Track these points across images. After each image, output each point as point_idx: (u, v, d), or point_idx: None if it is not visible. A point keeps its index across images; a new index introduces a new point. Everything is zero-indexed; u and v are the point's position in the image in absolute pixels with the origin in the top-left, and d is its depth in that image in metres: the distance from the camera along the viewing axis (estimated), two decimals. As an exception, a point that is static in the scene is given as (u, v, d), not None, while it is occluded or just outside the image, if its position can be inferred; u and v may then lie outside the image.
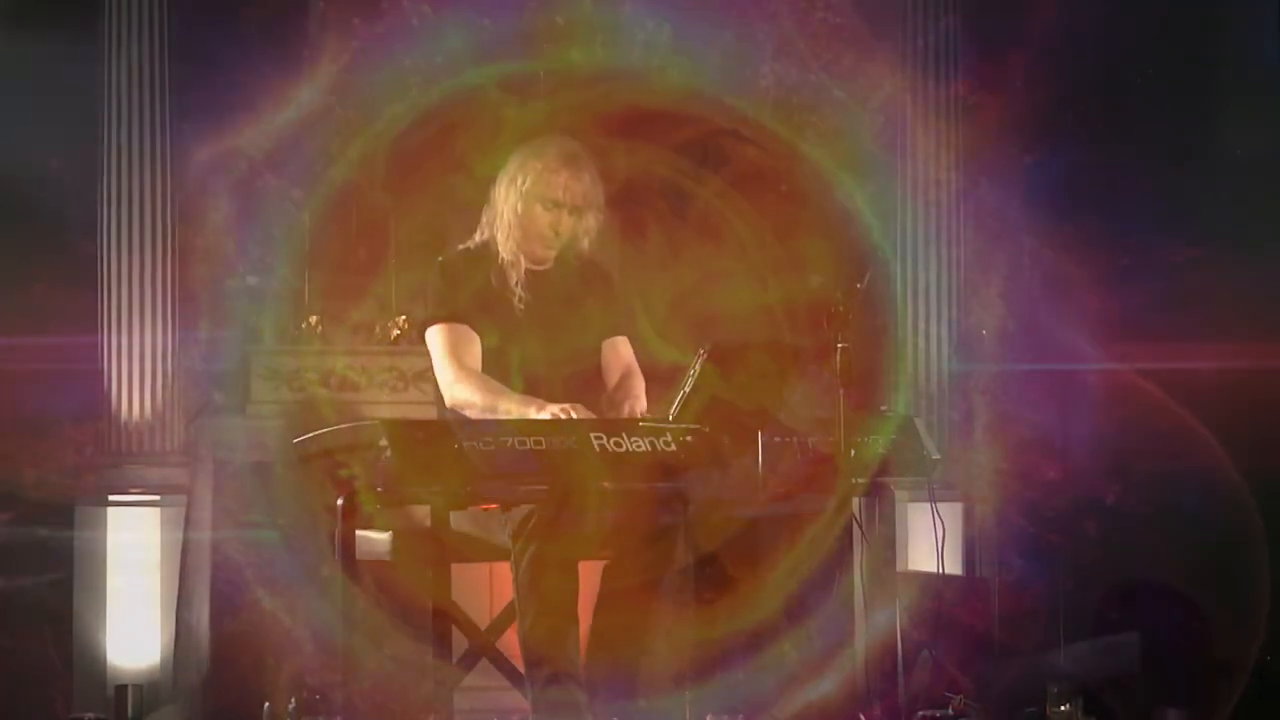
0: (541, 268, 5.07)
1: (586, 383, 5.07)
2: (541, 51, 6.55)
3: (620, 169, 6.28)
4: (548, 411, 4.72)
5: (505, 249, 5.03)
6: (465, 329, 4.99)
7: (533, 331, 5.01)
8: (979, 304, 6.53)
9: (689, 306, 6.46)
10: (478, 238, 5.11)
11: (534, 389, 4.92)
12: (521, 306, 5.01)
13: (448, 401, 4.96)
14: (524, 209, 5.00)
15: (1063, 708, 5.15)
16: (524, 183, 5.00)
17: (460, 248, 5.12)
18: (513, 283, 5.01)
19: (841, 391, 4.67)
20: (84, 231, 6.42)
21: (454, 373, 4.94)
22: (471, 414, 4.88)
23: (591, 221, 5.06)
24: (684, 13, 6.60)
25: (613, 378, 5.11)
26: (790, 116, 6.57)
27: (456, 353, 4.96)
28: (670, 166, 6.59)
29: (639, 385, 5.07)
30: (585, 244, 5.09)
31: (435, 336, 5.01)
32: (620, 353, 5.14)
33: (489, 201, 5.08)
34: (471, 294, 5.01)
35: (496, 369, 4.97)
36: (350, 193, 6.55)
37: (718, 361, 4.63)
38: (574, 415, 4.69)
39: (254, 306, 6.49)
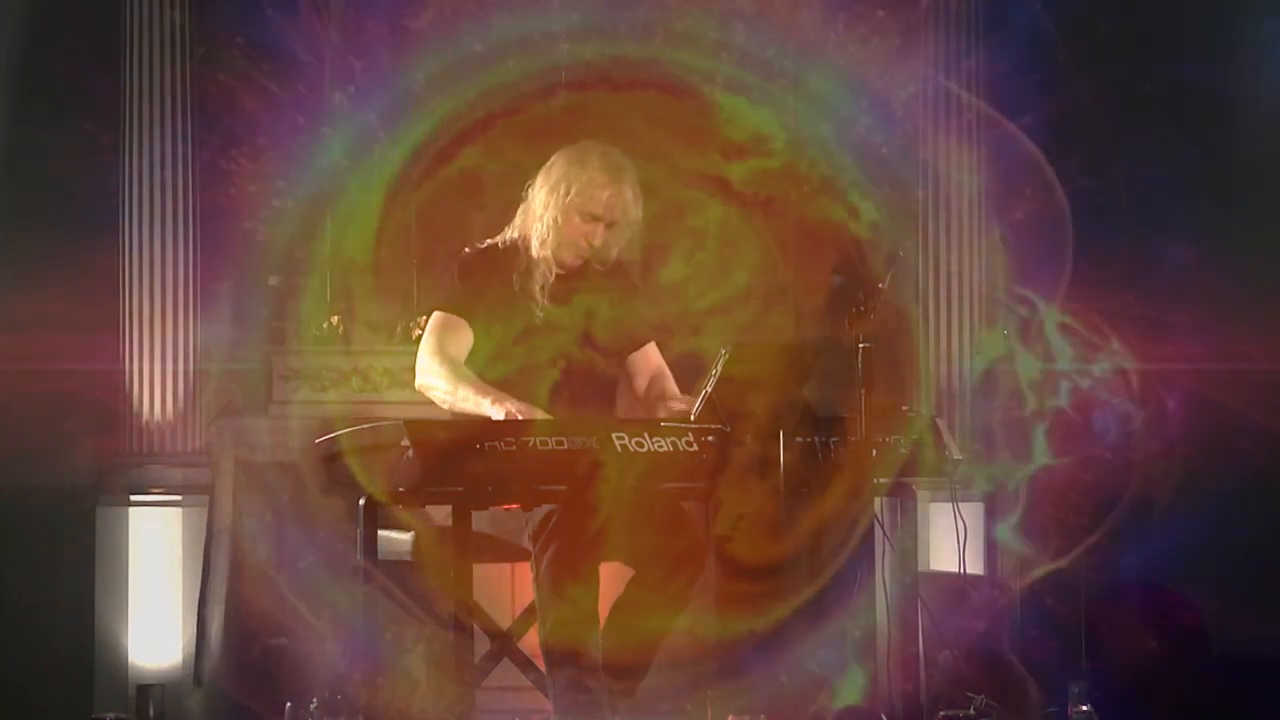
0: (566, 272, 5.04)
1: (604, 389, 5.06)
2: (558, 51, 6.55)
3: (641, 167, 6.26)
4: (502, 408, 4.69)
5: (537, 253, 4.99)
6: (460, 321, 4.94)
7: (551, 338, 4.98)
8: (1001, 303, 6.51)
9: (712, 306, 6.45)
10: (508, 234, 5.07)
11: (551, 394, 4.91)
12: (541, 315, 4.99)
13: (417, 384, 4.94)
14: (563, 219, 4.96)
15: (1084, 708, 5.13)
16: (566, 192, 4.95)
17: (487, 243, 5.08)
18: (537, 289, 4.98)
19: (863, 391, 4.66)
20: (106, 232, 6.44)
21: (428, 357, 4.91)
22: (435, 397, 4.87)
23: (626, 235, 5.03)
24: (704, 8, 6.59)
25: (642, 382, 5.10)
26: (814, 115, 6.56)
27: (441, 339, 4.92)
28: (691, 161, 6.58)
29: (672, 385, 5.07)
30: (614, 254, 5.06)
31: (430, 323, 4.98)
32: (650, 358, 5.13)
33: (525, 201, 5.05)
34: (488, 296, 4.97)
35: (507, 371, 4.94)
36: (372, 193, 6.55)
37: (740, 362, 4.62)
38: (522, 417, 4.64)
39: (275, 307, 6.50)
